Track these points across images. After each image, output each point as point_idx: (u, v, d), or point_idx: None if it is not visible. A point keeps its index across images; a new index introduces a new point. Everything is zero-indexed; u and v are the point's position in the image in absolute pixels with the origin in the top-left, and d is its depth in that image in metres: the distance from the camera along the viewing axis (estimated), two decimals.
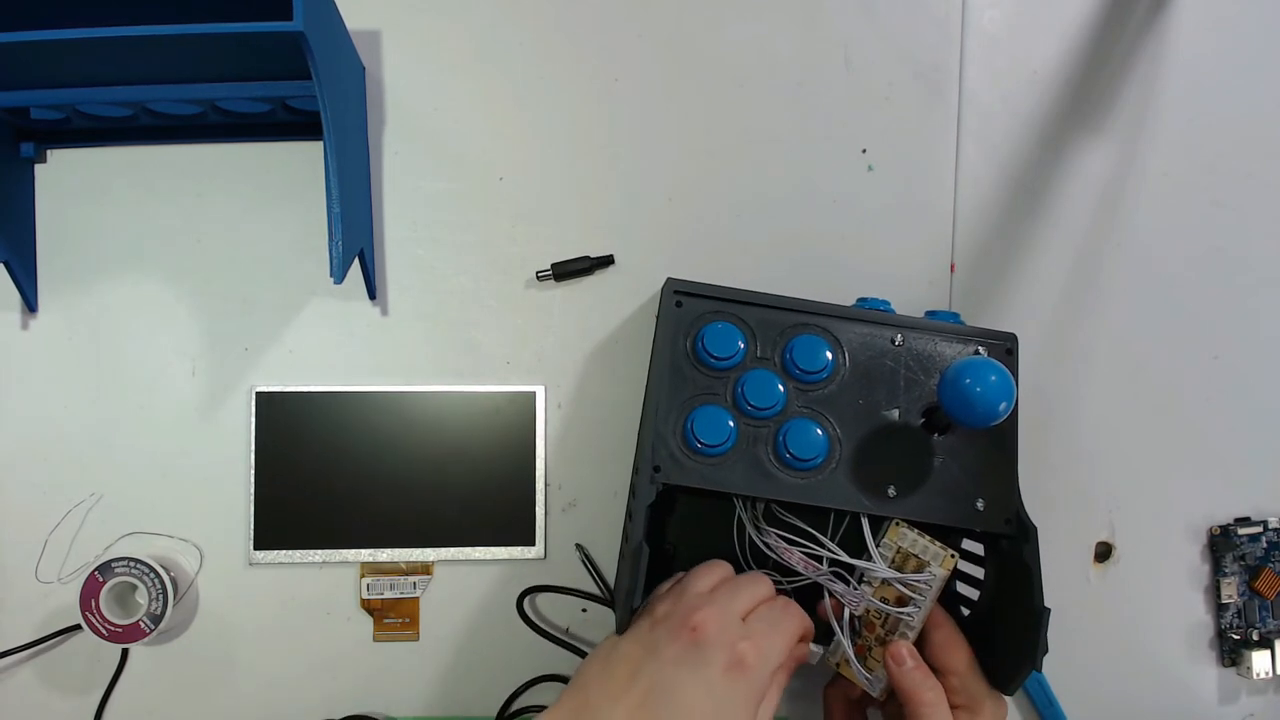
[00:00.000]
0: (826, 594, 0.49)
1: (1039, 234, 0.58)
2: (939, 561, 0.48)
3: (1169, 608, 0.59)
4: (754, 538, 0.49)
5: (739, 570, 0.48)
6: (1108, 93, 0.59)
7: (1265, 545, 0.58)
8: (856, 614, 0.48)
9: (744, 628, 0.43)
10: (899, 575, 0.48)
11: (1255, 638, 0.58)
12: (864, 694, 0.49)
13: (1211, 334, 0.59)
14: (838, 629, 0.48)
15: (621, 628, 0.45)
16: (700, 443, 0.47)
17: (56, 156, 0.55)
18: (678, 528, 0.53)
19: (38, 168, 0.55)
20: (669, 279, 0.49)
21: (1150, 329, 0.59)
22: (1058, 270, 0.58)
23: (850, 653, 0.48)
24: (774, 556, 0.48)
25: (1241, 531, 0.58)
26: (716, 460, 0.47)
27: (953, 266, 0.58)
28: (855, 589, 0.48)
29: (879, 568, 0.48)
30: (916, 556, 0.48)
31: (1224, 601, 0.58)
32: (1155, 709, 0.59)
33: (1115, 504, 0.58)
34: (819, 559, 0.48)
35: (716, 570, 0.47)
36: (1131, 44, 0.59)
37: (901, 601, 0.48)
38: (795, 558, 0.48)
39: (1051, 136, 0.58)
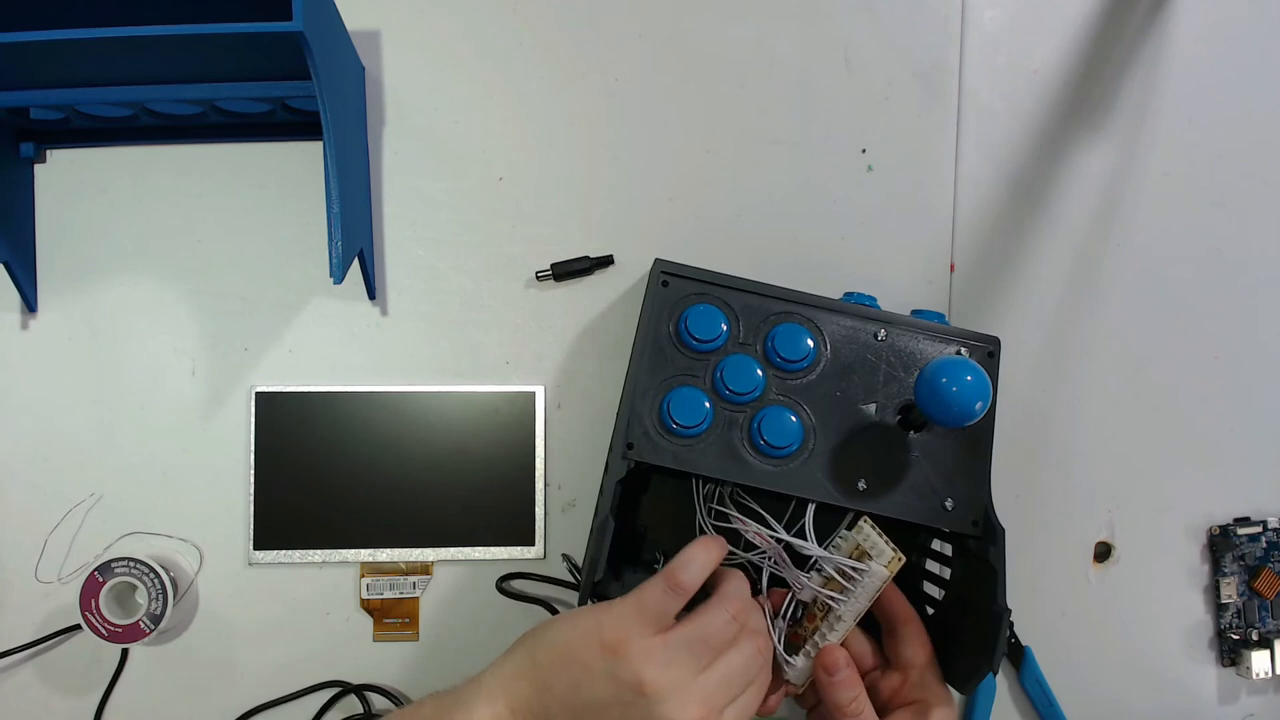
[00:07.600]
0: (766, 578, 0.48)
1: (1039, 233, 0.58)
2: (884, 561, 0.46)
3: (1168, 608, 0.59)
4: (701, 521, 0.49)
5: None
6: (1108, 93, 0.59)
7: (1265, 545, 0.58)
8: (802, 599, 0.48)
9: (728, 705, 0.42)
10: (834, 558, 0.47)
11: (1255, 638, 0.58)
12: None
13: (1211, 334, 0.59)
14: (777, 613, 0.48)
15: (582, 600, 0.46)
16: (675, 423, 0.47)
17: (56, 156, 0.55)
18: (650, 507, 0.53)
19: (38, 168, 0.55)
20: (657, 259, 0.49)
21: (1150, 329, 0.59)
22: (1057, 270, 0.58)
23: (780, 640, 0.47)
24: (730, 528, 0.48)
25: (1241, 531, 0.58)
26: (690, 441, 0.47)
27: (952, 266, 0.58)
28: (806, 576, 0.48)
29: (811, 547, 0.47)
30: (868, 554, 0.47)
31: (1223, 601, 0.58)
32: (1155, 709, 0.59)
33: (1115, 504, 0.58)
34: (775, 540, 0.48)
35: (721, 625, 0.43)
36: (1131, 44, 0.59)
37: (841, 591, 0.47)
38: (756, 534, 0.48)
39: (1051, 136, 0.58)
